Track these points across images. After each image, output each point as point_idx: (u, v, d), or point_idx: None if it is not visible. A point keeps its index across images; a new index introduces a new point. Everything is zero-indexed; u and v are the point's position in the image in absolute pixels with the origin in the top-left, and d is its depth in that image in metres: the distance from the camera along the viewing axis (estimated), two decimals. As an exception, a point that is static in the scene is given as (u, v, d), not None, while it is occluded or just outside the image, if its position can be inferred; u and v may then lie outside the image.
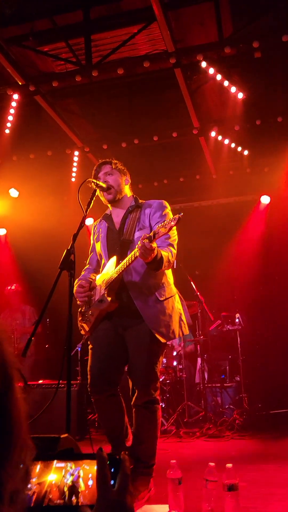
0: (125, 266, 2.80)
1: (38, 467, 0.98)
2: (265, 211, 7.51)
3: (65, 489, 0.97)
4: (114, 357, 3.00)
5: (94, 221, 3.38)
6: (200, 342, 6.20)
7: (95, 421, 5.81)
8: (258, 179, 7.29)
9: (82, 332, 3.16)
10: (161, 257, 2.72)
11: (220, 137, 6.41)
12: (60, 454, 1.00)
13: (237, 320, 6.26)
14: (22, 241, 7.42)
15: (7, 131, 6.06)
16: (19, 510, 0.81)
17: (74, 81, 5.13)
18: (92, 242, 3.34)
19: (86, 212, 2.91)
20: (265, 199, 7.49)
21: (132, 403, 2.95)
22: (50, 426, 4.20)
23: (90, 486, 0.97)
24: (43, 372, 6.60)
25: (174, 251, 2.95)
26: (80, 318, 3.14)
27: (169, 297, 3.00)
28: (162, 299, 2.95)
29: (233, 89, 5.43)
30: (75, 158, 6.94)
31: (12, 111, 5.76)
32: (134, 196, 3.24)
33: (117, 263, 2.93)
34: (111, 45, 5.00)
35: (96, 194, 3.08)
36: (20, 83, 5.23)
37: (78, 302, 3.09)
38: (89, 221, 7.59)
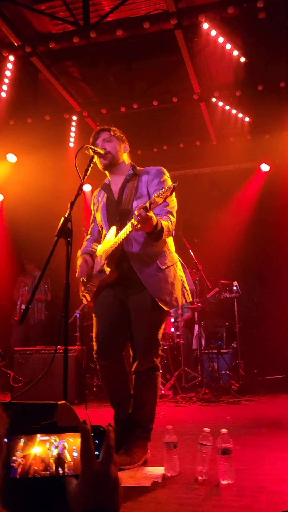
0: (124, 236, 2.79)
1: (22, 441, 1.00)
2: (264, 179, 7.43)
3: (51, 460, 0.99)
4: (118, 324, 3.01)
5: (93, 190, 3.34)
6: (197, 309, 6.25)
7: (94, 386, 5.92)
8: (259, 147, 7.18)
9: (84, 301, 3.18)
10: (161, 227, 2.70)
11: (221, 103, 6.29)
12: (43, 428, 1.03)
13: (234, 288, 6.31)
14: (19, 208, 7.36)
15: (3, 94, 5.93)
16: None
17: (72, 43, 4.98)
18: (93, 212, 3.32)
19: (83, 179, 2.86)
20: (264, 167, 7.41)
21: (133, 370, 2.97)
22: (51, 391, 4.29)
23: (75, 457, 0.99)
24: (46, 339, 6.68)
25: (174, 219, 2.92)
26: (82, 288, 3.16)
27: (170, 265, 2.99)
28: (163, 267, 2.94)
29: (235, 53, 5.28)
30: (73, 123, 6.82)
31: (8, 73, 5.62)
32: (132, 163, 3.18)
33: (117, 233, 2.91)
34: (110, 4, 4.83)
35: (94, 160, 3.03)
36: (15, 44, 5.08)
37: (76, 275, 3.10)
38: (86, 187, 7.54)
